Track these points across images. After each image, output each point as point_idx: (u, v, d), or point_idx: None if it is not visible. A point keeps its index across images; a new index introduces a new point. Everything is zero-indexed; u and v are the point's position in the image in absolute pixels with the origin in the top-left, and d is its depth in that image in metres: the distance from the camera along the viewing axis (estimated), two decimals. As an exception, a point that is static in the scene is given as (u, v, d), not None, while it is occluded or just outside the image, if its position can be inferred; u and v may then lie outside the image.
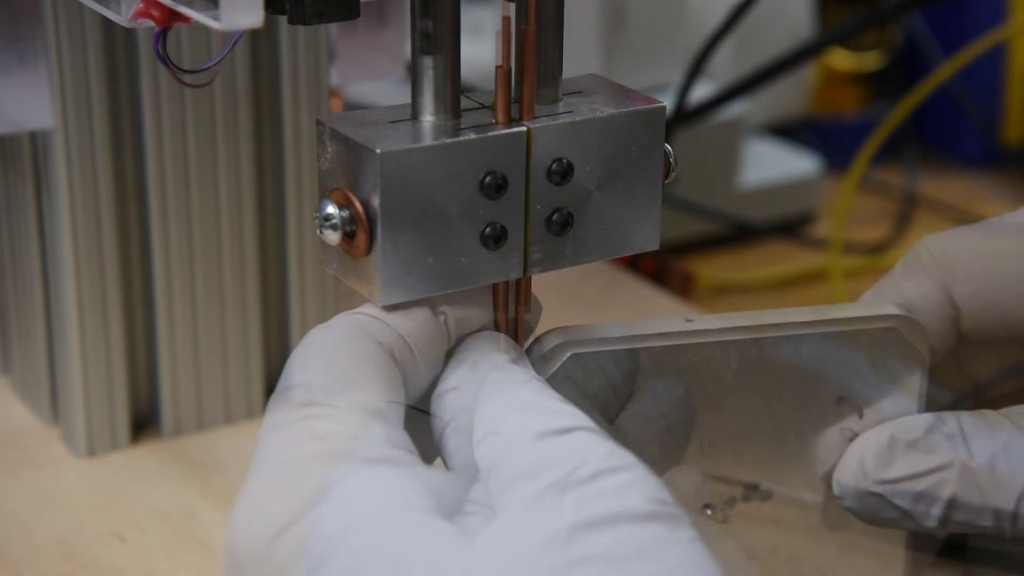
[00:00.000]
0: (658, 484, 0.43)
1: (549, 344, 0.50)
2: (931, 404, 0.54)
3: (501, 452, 0.44)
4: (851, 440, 0.53)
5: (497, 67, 0.48)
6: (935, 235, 0.55)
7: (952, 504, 0.51)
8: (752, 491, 0.53)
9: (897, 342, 0.53)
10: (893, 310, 0.53)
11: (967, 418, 0.52)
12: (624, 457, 0.43)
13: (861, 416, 0.53)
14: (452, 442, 0.47)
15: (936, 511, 0.51)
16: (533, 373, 0.48)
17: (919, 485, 0.51)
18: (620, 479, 0.42)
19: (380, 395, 0.46)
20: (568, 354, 0.50)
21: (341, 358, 0.47)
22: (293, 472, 0.44)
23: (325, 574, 0.42)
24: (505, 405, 0.46)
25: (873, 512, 0.52)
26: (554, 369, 0.49)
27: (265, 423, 0.46)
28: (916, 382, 0.53)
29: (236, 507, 0.45)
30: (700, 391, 0.51)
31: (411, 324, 0.48)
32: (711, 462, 0.52)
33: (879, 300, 0.54)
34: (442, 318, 0.49)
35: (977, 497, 0.51)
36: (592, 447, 0.43)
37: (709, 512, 0.52)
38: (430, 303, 0.49)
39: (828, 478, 0.54)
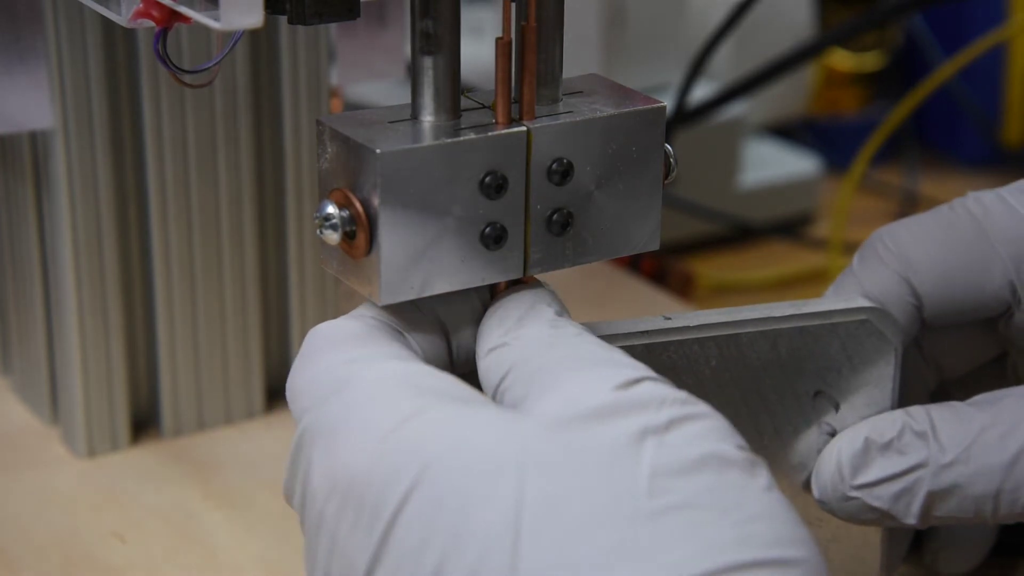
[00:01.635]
0: (731, 429, 0.43)
1: None
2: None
3: (573, 406, 0.43)
4: (829, 435, 0.54)
5: (496, 67, 0.48)
6: (888, 226, 0.55)
7: (930, 500, 0.52)
8: None
9: (870, 333, 0.53)
10: (865, 302, 0.54)
11: (937, 412, 0.53)
12: (696, 405, 0.43)
13: (837, 409, 0.54)
14: (512, 393, 0.46)
15: (915, 508, 0.52)
16: (581, 327, 0.48)
17: (896, 486, 0.52)
18: (696, 427, 0.42)
19: (406, 353, 0.47)
20: None
21: (352, 335, 0.47)
22: (370, 411, 0.44)
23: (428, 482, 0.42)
24: (567, 358, 0.46)
25: (854, 515, 0.53)
26: None
27: (315, 392, 0.46)
28: (890, 372, 0.54)
29: (315, 461, 0.45)
30: (680, 388, 0.52)
31: (404, 321, 0.49)
32: None
33: (848, 293, 0.54)
34: (433, 319, 0.49)
35: (954, 491, 0.51)
36: (664, 395, 0.43)
37: None
38: (420, 309, 0.49)
39: (807, 483, 0.54)
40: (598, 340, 0.47)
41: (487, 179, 0.48)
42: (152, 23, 0.51)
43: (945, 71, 1.01)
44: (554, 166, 0.49)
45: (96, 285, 0.67)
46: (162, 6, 0.50)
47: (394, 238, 0.47)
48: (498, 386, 0.47)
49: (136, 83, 0.66)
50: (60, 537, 0.64)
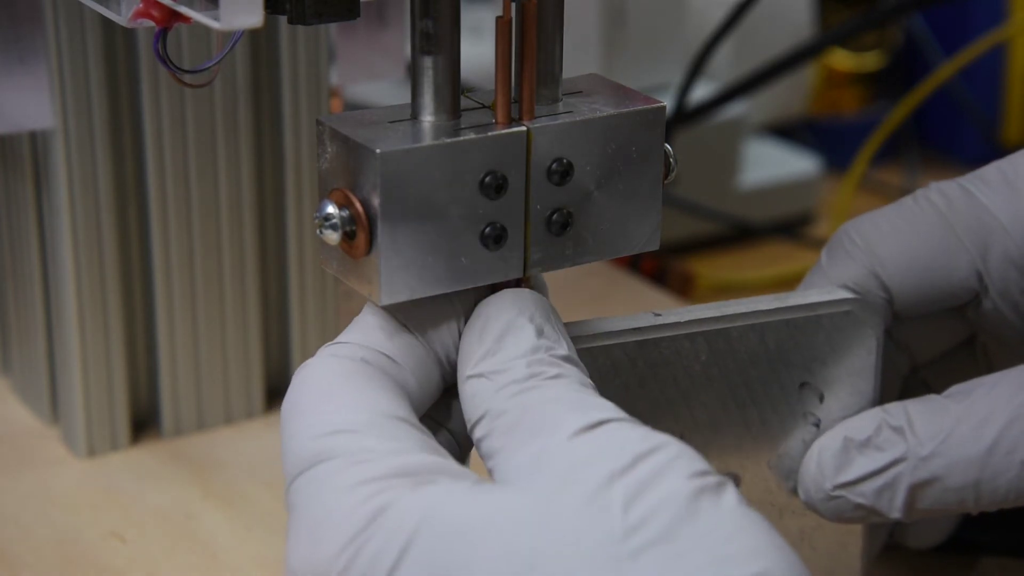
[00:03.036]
0: (694, 455, 0.43)
1: None
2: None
3: (541, 455, 0.44)
4: (814, 425, 0.54)
5: (496, 65, 0.48)
6: (854, 221, 0.56)
7: (912, 493, 0.52)
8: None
9: (853, 324, 0.54)
10: (847, 294, 0.54)
11: (913, 407, 0.53)
12: (656, 437, 0.44)
13: (822, 400, 0.54)
14: (487, 444, 0.46)
15: (898, 502, 0.52)
16: (563, 350, 0.48)
17: (877, 482, 0.53)
18: (659, 460, 0.43)
19: (392, 404, 0.47)
20: None
21: (335, 382, 0.47)
22: (345, 499, 0.44)
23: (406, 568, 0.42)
24: (537, 405, 0.46)
25: (840, 513, 0.54)
26: None
27: (291, 465, 0.46)
28: (872, 362, 0.54)
29: (290, 545, 0.46)
30: (672, 383, 0.52)
31: (388, 342, 0.49)
32: None
33: (832, 284, 0.55)
34: (418, 334, 0.49)
35: (935, 483, 0.52)
36: (625, 435, 0.44)
37: None
38: (406, 327, 0.49)
39: (793, 473, 0.55)
40: (571, 376, 0.47)
41: (487, 179, 0.48)
42: (152, 23, 0.51)
43: (945, 71, 1.01)
44: (554, 166, 0.49)
45: (96, 285, 0.67)
46: (162, 6, 0.50)
47: (394, 238, 0.47)
48: (475, 426, 0.47)
49: (136, 83, 0.66)
50: (60, 537, 0.64)
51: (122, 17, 0.52)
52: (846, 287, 0.55)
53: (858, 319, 0.54)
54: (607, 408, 0.45)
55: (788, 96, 1.09)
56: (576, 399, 0.46)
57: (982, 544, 0.61)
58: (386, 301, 0.48)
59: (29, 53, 0.64)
